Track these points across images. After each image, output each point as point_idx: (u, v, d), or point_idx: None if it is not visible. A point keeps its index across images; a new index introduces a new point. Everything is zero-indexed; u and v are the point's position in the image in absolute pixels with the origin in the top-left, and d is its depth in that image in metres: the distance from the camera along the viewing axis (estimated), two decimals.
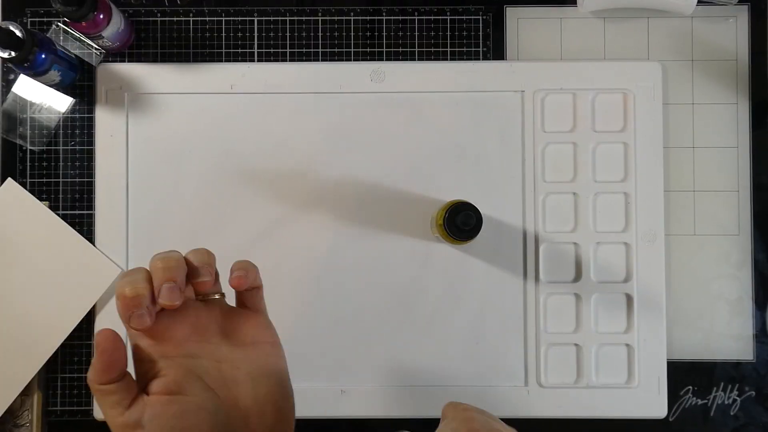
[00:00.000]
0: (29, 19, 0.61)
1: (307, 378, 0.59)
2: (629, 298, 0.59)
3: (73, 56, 0.59)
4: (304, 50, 0.61)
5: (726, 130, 0.61)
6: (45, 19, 0.61)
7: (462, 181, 0.59)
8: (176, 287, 0.37)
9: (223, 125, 0.60)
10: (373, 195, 0.59)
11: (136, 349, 0.39)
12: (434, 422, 0.59)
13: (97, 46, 0.60)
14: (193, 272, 0.39)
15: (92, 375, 0.37)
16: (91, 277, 0.58)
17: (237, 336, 0.41)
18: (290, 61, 0.61)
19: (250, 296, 0.43)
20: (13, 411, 0.59)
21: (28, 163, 0.60)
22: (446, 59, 0.61)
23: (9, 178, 0.59)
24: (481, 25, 0.61)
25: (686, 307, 0.60)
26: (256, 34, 0.61)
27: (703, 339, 0.60)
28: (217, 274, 0.41)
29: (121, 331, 0.38)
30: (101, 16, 0.54)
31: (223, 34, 0.61)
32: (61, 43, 0.59)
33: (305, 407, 0.59)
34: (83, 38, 0.60)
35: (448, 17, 0.61)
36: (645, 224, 0.59)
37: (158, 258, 0.39)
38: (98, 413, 0.59)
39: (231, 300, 0.43)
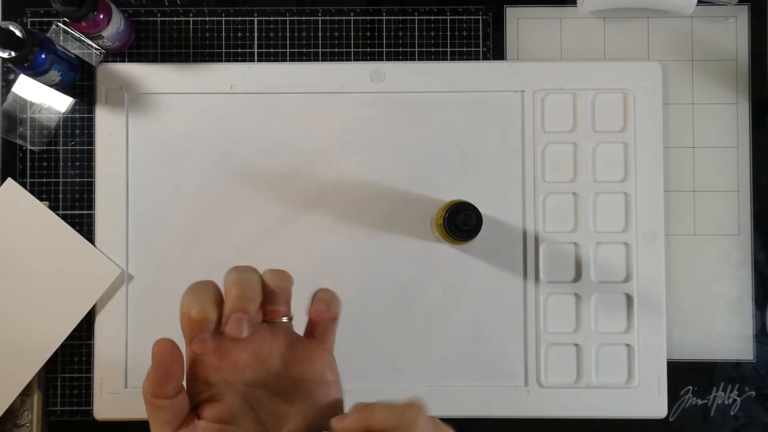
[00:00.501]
0: (29, 19, 0.61)
1: None
2: (629, 298, 0.59)
3: (73, 56, 0.59)
4: (304, 50, 0.61)
5: (726, 130, 0.61)
6: (45, 19, 0.61)
7: (462, 181, 0.59)
8: (246, 319, 0.35)
9: (223, 125, 0.60)
10: (373, 195, 0.59)
11: (193, 369, 0.37)
12: None
13: (97, 46, 0.60)
14: (269, 299, 0.37)
15: (147, 386, 0.35)
16: (91, 277, 0.58)
17: (299, 370, 0.39)
18: (290, 61, 0.61)
19: (322, 327, 0.40)
20: (13, 411, 0.59)
21: (28, 163, 0.60)
22: (446, 59, 0.61)
23: (9, 178, 0.59)
24: (481, 25, 0.61)
25: (686, 307, 0.60)
26: (256, 34, 0.61)
27: (703, 339, 0.60)
28: (289, 297, 0.39)
29: (179, 341, 0.36)
30: (101, 16, 0.54)
31: (223, 34, 0.61)
32: (61, 43, 0.59)
33: None
34: (83, 38, 0.60)
35: (448, 17, 0.61)
36: (645, 224, 0.59)
37: (233, 281, 0.36)
38: (98, 413, 0.59)
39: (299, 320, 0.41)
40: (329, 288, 0.39)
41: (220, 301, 0.36)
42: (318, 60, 0.61)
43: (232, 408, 0.36)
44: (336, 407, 0.39)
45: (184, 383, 0.37)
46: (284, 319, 0.39)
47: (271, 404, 0.38)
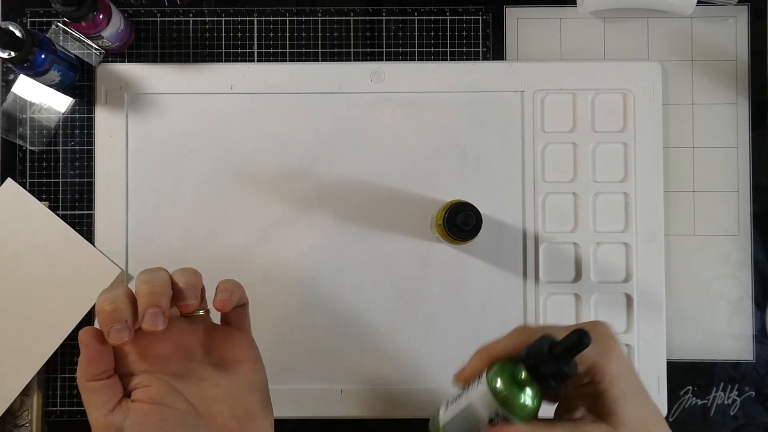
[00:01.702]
0: (29, 19, 0.61)
1: (307, 378, 0.59)
2: (629, 298, 0.59)
3: (73, 56, 0.59)
4: (304, 50, 0.61)
5: (726, 130, 0.61)
6: (45, 19, 0.61)
7: (462, 181, 0.59)
8: (160, 312, 0.38)
9: (223, 125, 0.60)
10: (373, 195, 0.59)
11: (120, 362, 0.40)
12: None
13: (96, 46, 0.60)
14: (179, 295, 0.40)
15: (79, 371, 0.39)
16: (91, 277, 0.58)
17: (219, 354, 0.42)
18: (290, 61, 0.61)
19: (234, 314, 0.44)
20: (13, 411, 0.59)
21: (28, 163, 0.60)
22: (446, 59, 0.61)
23: (9, 178, 0.59)
24: (481, 25, 0.61)
25: (686, 307, 0.60)
26: (256, 34, 0.61)
27: (703, 339, 0.60)
28: (203, 292, 0.42)
29: None
30: (101, 16, 0.54)
31: (223, 34, 0.61)
32: (61, 43, 0.59)
33: (305, 407, 0.59)
34: (83, 38, 0.60)
35: (448, 17, 0.61)
36: (645, 224, 0.59)
37: (143, 281, 0.39)
38: None
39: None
40: (232, 278, 0.43)
41: (132, 297, 0.39)
42: (318, 60, 0.61)
43: (161, 391, 0.39)
44: (260, 383, 0.43)
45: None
46: (200, 312, 0.43)
47: (198, 388, 0.41)
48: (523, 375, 0.37)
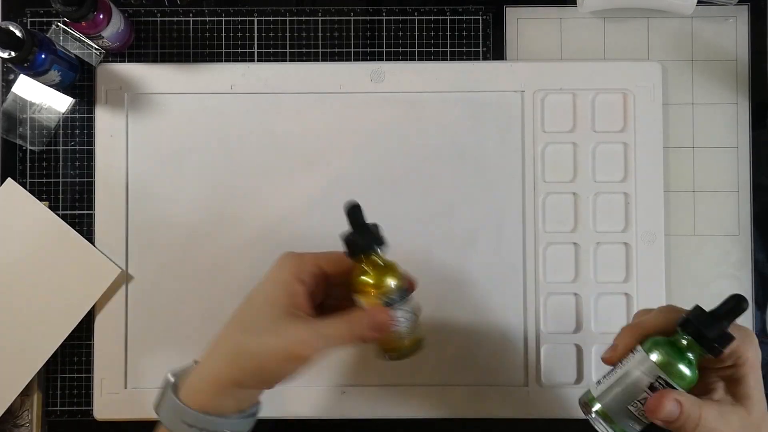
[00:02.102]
0: (29, 19, 0.61)
1: (308, 378, 0.59)
2: (629, 298, 0.59)
3: (73, 56, 0.59)
4: (304, 50, 0.61)
5: (726, 130, 0.61)
6: (45, 19, 0.61)
7: (462, 181, 0.59)
8: None
9: (223, 125, 0.60)
10: (373, 195, 0.59)
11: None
12: (434, 422, 0.59)
13: (97, 46, 0.60)
14: None
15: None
16: (91, 277, 0.58)
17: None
18: (290, 61, 0.61)
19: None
20: (13, 411, 0.59)
21: (28, 163, 0.60)
22: (446, 59, 0.61)
23: (9, 178, 0.59)
24: (481, 25, 0.61)
25: (686, 307, 0.60)
26: (256, 34, 0.61)
27: None
28: None
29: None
30: (101, 16, 0.54)
31: (223, 34, 0.61)
32: (61, 43, 0.59)
33: (305, 407, 0.59)
34: (83, 38, 0.60)
35: (448, 17, 0.61)
36: (645, 224, 0.59)
37: None
38: (98, 413, 0.59)
39: None
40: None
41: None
42: (318, 60, 0.61)
43: None
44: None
45: None
46: None
47: None
48: (685, 341, 0.40)
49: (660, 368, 0.40)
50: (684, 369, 0.40)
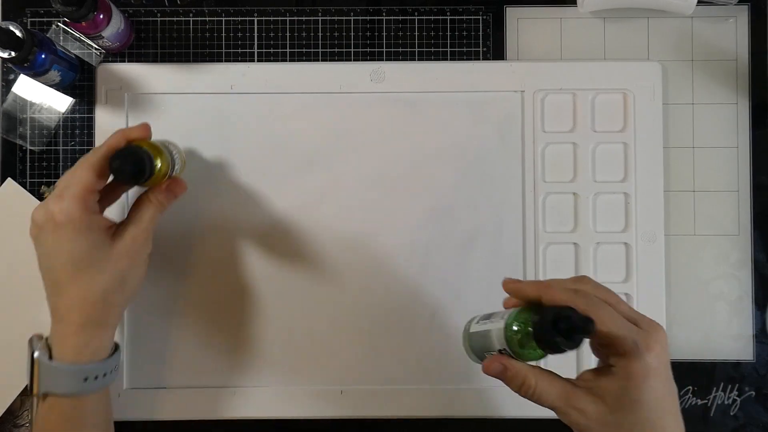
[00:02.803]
0: (29, 19, 0.61)
1: (308, 378, 0.59)
2: (629, 298, 0.59)
3: (73, 56, 0.59)
4: (304, 50, 0.61)
5: (726, 130, 0.61)
6: (45, 19, 0.61)
7: (462, 181, 0.59)
8: None
9: (223, 125, 0.60)
10: (373, 195, 0.59)
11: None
12: (434, 422, 0.59)
13: (97, 46, 0.60)
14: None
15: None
16: None
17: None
18: (290, 61, 0.61)
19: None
20: (13, 411, 0.59)
21: (28, 163, 0.60)
22: (446, 59, 0.61)
23: (9, 178, 0.59)
24: (481, 25, 0.61)
25: (686, 307, 0.60)
26: (256, 34, 0.61)
27: (703, 339, 0.60)
28: None
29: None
30: (101, 16, 0.54)
31: (223, 34, 0.61)
32: (61, 43, 0.59)
33: (305, 407, 0.59)
34: (83, 38, 0.60)
35: (448, 17, 0.61)
36: (645, 224, 0.59)
37: None
38: None
39: None
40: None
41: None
42: (318, 60, 0.61)
43: None
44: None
45: None
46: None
47: None
48: (530, 332, 0.40)
49: (507, 341, 0.41)
50: (529, 350, 0.41)
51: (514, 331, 0.41)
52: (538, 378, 0.41)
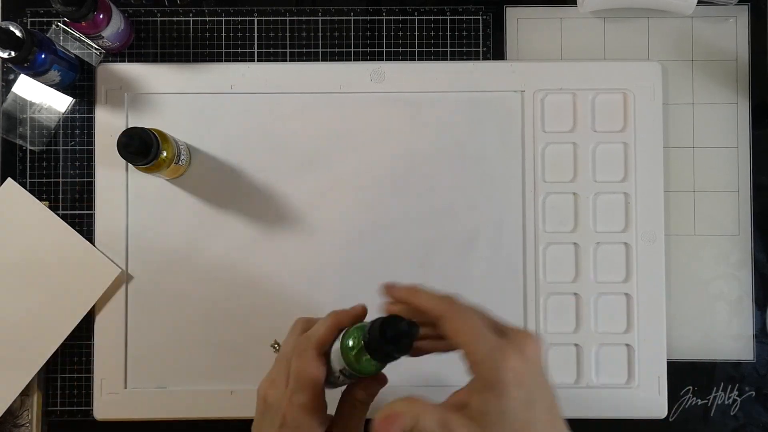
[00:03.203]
0: (29, 19, 0.61)
1: None
2: (629, 298, 0.59)
3: (73, 56, 0.59)
4: (304, 50, 0.61)
5: (726, 130, 0.61)
6: (45, 19, 0.61)
7: (462, 181, 0.59)
8: None
9: (223, 125, 0.60)
10: (373, 195, 0.59)
11: None
12: None
13: (97, 46, 0.60)
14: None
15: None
16: (91, 277, 0.58)
17: None
18: (290, 61, 0.61)
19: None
20: (13, 411, 0.59)
21: (28, 163, 0.60)
22: (446, 59, 0.61)
23: (9, 178, 0.59)
24: (481, 25, 0.61)
25: (686, 307, 0.60)
26: (256, 34, 0.61)
27: (703, 339, 0.60)
28: None
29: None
30: (101, 16, 0.54)
31: (223, 34, 0.61)
32: (61, 43, 0.59)
33: None
34: (83, 38, 0.60)
35: (448, 17, 0.61)
36: (645, 224, 0.59)
37: None
38: (98, 413, 0.59)
39: None
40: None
41: None
42: (318, 60, 0.61)
43: None
44: None
45: None
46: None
47: None
48: (361, 345, 0.40)
49: (346, 360, 0.41)
50: (363, 363, 0.40)
51: (349, 347, 0.41)
52: (420, 414, 0.37)
